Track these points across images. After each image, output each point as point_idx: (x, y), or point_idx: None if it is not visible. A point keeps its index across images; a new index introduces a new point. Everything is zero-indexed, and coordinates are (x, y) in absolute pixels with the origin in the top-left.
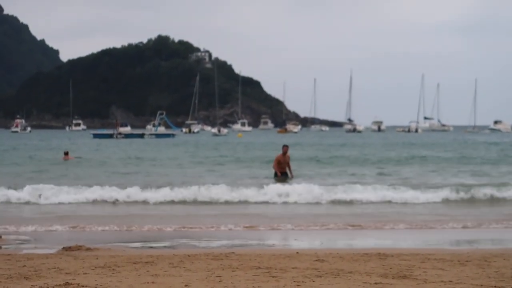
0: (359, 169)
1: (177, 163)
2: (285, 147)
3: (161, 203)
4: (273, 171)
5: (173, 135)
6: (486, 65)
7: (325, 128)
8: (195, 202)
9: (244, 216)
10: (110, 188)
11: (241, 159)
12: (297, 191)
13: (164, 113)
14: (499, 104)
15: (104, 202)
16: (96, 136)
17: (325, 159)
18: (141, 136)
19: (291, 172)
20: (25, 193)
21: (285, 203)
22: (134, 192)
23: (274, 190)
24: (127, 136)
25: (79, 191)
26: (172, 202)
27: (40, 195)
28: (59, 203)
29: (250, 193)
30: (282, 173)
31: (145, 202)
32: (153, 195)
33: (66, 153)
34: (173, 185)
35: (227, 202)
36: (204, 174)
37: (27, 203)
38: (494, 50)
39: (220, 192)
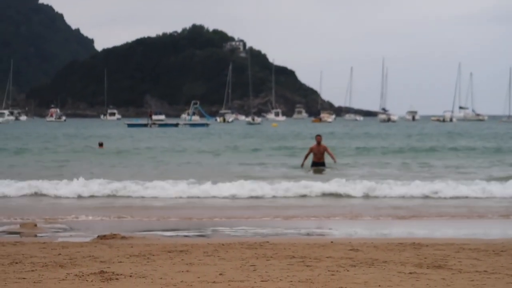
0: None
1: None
2: (318, 137)
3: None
4: (302, 161)
5: (207, 125)
6: None
7: (359, 117)
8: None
9: None
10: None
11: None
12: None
13: (198, 102)
14: None
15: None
16: (130, 125)
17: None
18: (175, 125)
19: (334, 158)
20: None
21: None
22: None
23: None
24: (161, 125)
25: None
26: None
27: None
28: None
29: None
30: (318, 163)
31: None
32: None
33: (101, 144)
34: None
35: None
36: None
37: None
38: None
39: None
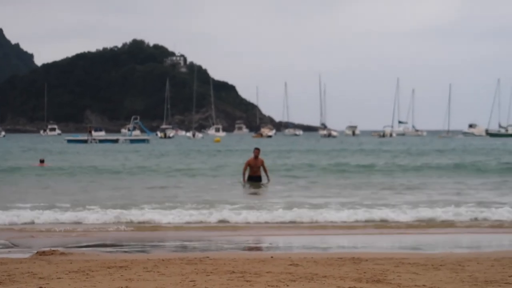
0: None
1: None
2: (256, 150)
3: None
4: (241, 177)
5: (147, 140)
6: (460, 70)
7: (299, 132)
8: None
9: None
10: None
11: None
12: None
13: (138, 118)
14: (473, 108)
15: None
16: (70, 141)
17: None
18: (115, 141)
19: (268, 176)
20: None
21: None
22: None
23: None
24: (102, 141)
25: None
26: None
27: None
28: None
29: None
30: (253, 177)
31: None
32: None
33: (42, 161)
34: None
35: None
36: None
37: None
38: (468, 55)
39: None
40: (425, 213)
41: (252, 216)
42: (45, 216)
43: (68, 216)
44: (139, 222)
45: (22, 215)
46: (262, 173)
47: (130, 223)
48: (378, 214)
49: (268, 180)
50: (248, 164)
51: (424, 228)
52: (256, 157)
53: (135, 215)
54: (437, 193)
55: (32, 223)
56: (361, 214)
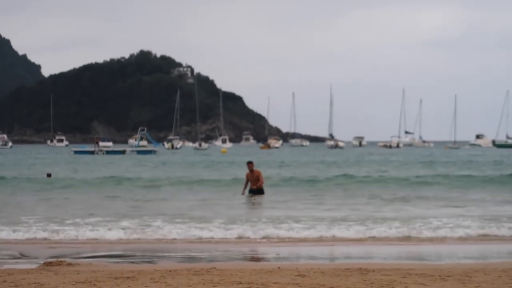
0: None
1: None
2: (250, 164)
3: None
4: (242, 189)
5: (154, 152)
6: (468, 81)
7: (306, 142)
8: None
9: None
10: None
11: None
12: None
13: (146, 129)
14: (480, 119)
15: None
16: (77, 152)
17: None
18: (123, 152)
19: (262, 187)
20: None
21: None
22: None
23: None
24: (108, 152)
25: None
26: None
27: None
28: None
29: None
30: (255, 190)
31: None
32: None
33: (49, 175)
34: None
35: None
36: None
37: None
38: (474, 66)
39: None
40: None
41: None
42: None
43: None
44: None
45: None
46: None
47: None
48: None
49: (263, 192)
50: (247, 178)
51: None
52: (251, 170)
53: None
54: None
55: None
56: None
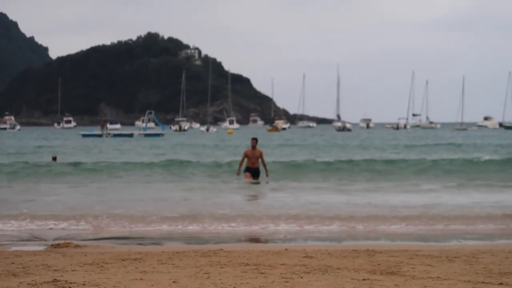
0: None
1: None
2: (253, 141)
3: None
4: (238, 169)
5: (162, 135)
6: (475, 62)
7: (313, 124)
8: None
9: None
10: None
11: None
12: None
13: (153, 112)
14: (487, 100)
15: None
16: (85, 136)
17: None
18: (130, 135)
19: (266, 169)
20: None
21: None
22: None
23: None
24: (116, 135)
25: None
26: None
27: None
28: None
29: None
30: (251, 168)
31: None
32: None
33: (54, 158)
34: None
35: None
36: None
37: None
38: (482, 47)
39: None
40: None
41: None
42: None
43: None
44: None
45: None
46: (261, 166)
47: None
48: None
49: (267, 174)
50: (246, 155)
51: None
52: (253, 147)
53: None
54: None
55: None
56: None
